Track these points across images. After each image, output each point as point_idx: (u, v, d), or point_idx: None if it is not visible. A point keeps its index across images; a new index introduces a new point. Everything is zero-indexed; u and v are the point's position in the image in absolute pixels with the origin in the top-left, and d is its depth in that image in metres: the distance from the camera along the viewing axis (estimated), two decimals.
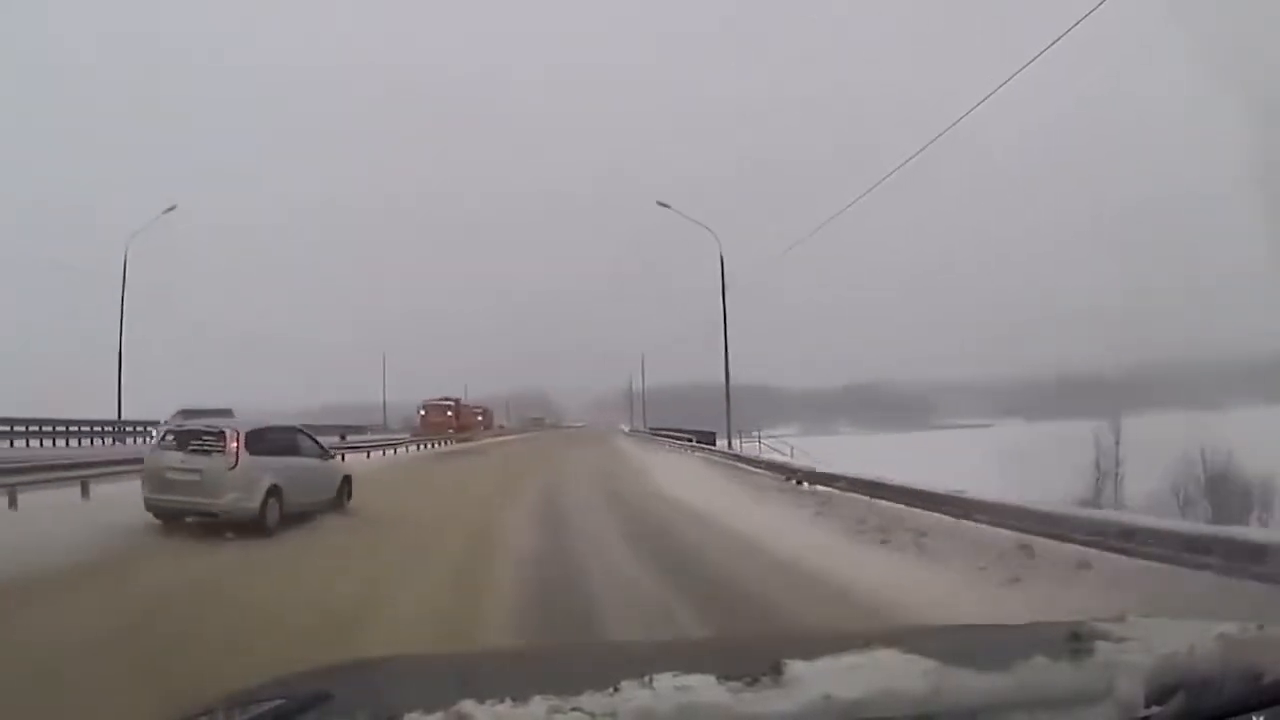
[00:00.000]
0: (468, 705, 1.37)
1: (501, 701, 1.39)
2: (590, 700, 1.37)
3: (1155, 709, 1.37)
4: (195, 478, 11.64)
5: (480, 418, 69.44)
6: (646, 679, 1.43)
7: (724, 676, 1.44)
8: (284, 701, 1.69)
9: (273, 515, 12.01)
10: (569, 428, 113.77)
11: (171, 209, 36.38)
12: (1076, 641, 1.63)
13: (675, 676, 1.43)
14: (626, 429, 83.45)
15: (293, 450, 13.33)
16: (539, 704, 1.37)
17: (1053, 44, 12.22)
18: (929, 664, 1.46)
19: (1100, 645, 1.61)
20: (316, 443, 14.61)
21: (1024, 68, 13.20)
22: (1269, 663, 1.44)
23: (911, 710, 1.36)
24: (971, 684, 1.42)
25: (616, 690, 1.40)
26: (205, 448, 11.97)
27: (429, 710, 1.38)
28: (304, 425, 16.11)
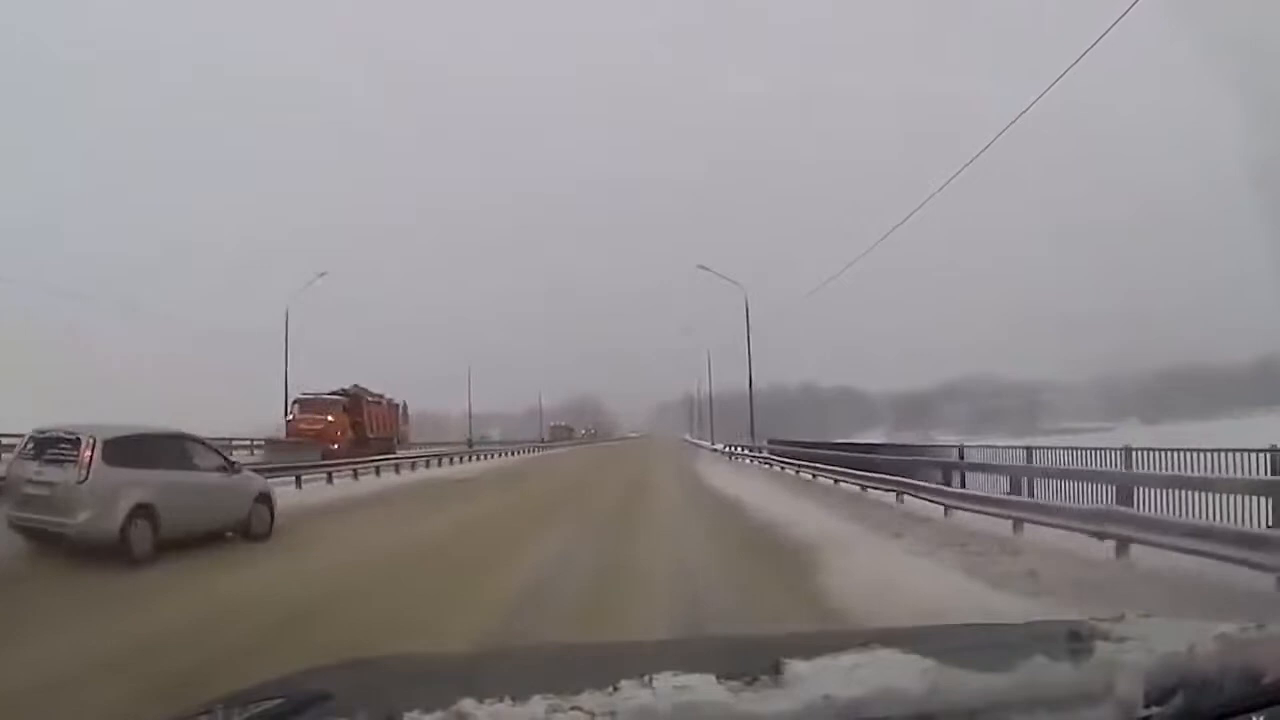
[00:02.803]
0: (467, 704, 1.37)
1: (501, 701, 1.39)
2: (590, 700, 1.38)
3: (1155, 709, 1.36)
4: (47, 492, 9.79)
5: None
6: (646, 678, 1.43)
7: (724, 676, 1.44)
8: (284, 701, 1.69)
9: (142, 541, 9.88)
10: (621, 440, 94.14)
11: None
12: (1076, 641, 1.64)
13: (675, 676, 1.43)
14: (713, 446, 52.24)
15: (181, 462, 11.21)
16: (539, 703, 1.38)
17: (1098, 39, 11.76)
18: (928, 664, 1.46)
19: (1100, 645, 1.61)
20: (219, 454, 12.52)
21: (1074, 64, 12.82)
22: (1269, 663, 1.44)
23: (911, 710, 1.36)
24: (971, 684, 1.42)
25: (616, 690, 1.41)
26: (60, 457, 10.00)
27: (429, 710, 1.38)
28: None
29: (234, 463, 12.85)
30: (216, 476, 11.71)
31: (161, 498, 10.24)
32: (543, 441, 76.12)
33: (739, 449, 42.02)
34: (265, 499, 12.53)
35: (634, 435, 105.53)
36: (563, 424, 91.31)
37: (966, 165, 17.65)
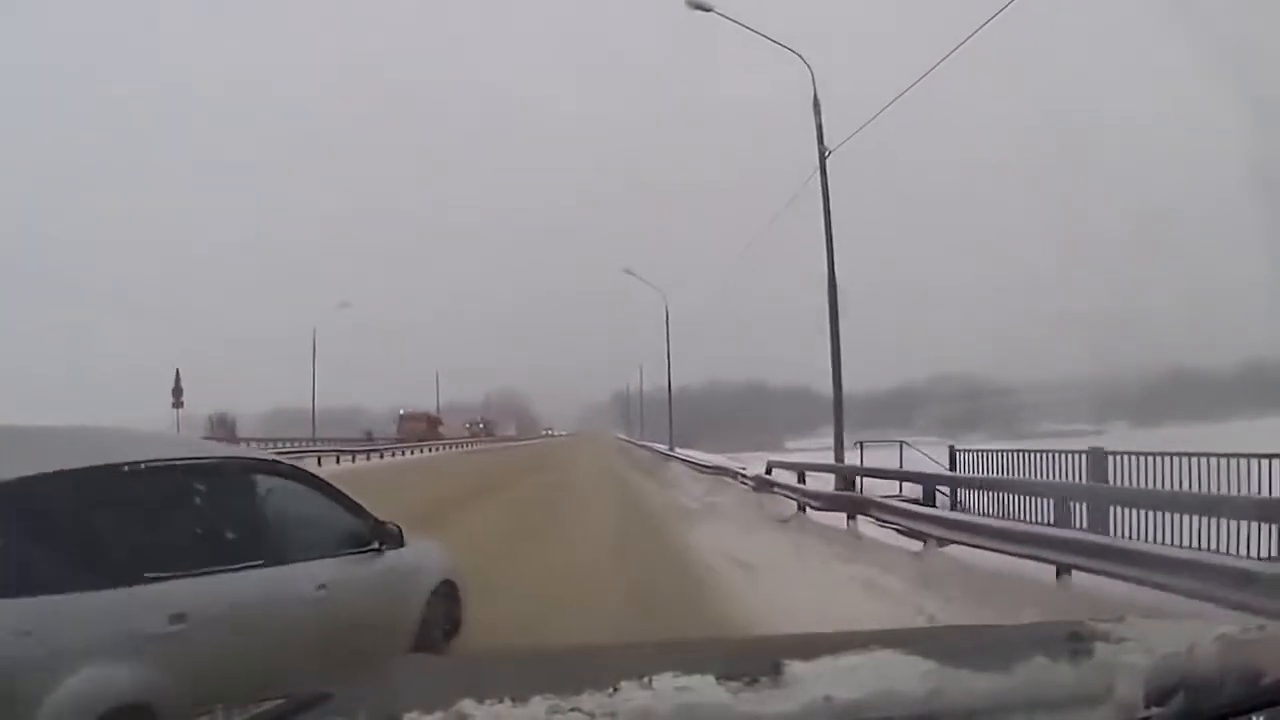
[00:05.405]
0: (467, 705, 1.38)
1: (501, 701, 1.39)
2: (590, 700, 1.38)
3: (1155, 710, 1.36)
4: None
5: None
6: (646, 679, 1.43)
7: (724, 677, 1.44)
8: (284, 701, 1.69)
9: None
10: (537, 439, 79.17)
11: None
12: (1076, 642, 1.63)
13: (675, 676, 1.43)
14: (672, 452, 34.60)
15: (246, 546, 3.17)
16: (538, 704, 1.38)
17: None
18: (929, 664, 1.46)
19: (1100, 646, 1.61)
20: (350, 506, 4.03)
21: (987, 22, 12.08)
22: (1269, 663, 1.44)
23: (911, 711, 1.36)
24: (971, 684, 1.42)
25: (616, 690, 1.41)
26: None
27: (429, 710, 1.38)
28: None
29: (383, 525, 4.14)
30: (341, 566, 3.74)
31: (172, 674, 2.61)
32: (370, 442, 43.08)
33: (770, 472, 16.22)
34: (448, 593, 4.67)
35: (551, 434, 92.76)
36: (421, 411, 56.49)
37: (897, 99, 14.90)
